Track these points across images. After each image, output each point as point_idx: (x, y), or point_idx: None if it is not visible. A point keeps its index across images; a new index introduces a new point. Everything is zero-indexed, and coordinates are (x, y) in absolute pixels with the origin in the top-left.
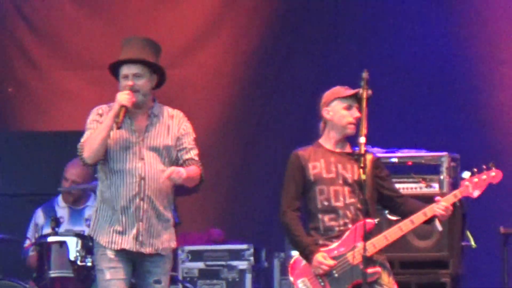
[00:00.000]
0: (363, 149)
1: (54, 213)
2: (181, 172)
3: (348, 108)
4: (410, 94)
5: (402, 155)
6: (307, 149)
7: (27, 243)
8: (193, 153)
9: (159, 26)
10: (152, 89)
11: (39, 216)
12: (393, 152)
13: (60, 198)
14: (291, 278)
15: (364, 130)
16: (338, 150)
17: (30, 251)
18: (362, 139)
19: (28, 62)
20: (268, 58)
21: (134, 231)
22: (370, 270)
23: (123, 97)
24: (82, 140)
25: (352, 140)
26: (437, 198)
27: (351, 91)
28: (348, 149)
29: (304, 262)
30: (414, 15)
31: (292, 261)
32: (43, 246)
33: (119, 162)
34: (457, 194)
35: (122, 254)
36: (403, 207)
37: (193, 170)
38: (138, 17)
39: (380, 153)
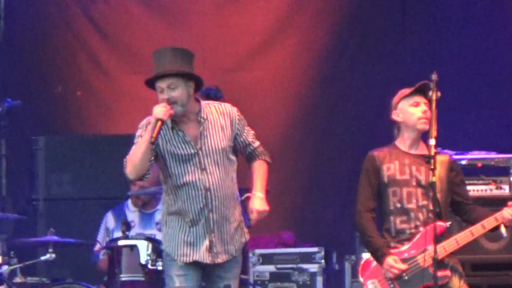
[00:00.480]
0: (433, 151)
1: (125, 217)
2: (263, 207)
3: (415, 104)
4: (480, 95)
5: (472, 157)
6: (382, 150)
7: (97, 247)
8: (255, 144)
9: (226, 30)
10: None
11: (110, 220)
12: (463, 154)
13: (130, 202)
14: (361, 279)
15: (434, 132)
16: (413, 151)
17: (101, 255)
18: (432, 141)
19: (96, 66)
20: (336, 60)
21: (207, 242)
22: (440, 274)
23: (158, 110)
24: (127, 155)
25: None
26: (510, 203)
27: (414, 87)
28: (423, 150)
29: (374, 263)
30: (484, 15)
31: (362, 262)
32: (113, 250)
33: (181, 177)
34: None
35: (192, 263)
36: (469, 214)
37: (264, 172)
38: (205, 20)
39: (449, 155)
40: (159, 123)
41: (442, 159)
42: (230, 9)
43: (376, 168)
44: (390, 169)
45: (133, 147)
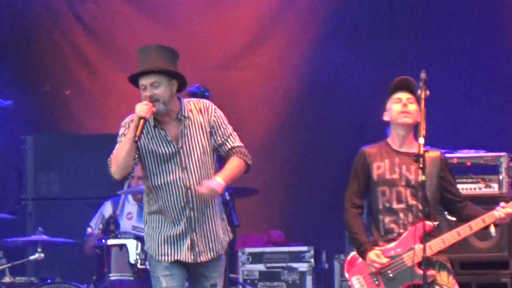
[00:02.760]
0: (422, 149)
1: (122, 208)
2: (216, 187)
3: (398, 101)
4: (469, 94)
5: (461, 155)
6: (374, 147)
7: (89, 230)
8: (231, 142)
9: (215, 28)
10: (177, 92)
11: (108, 209)
12: (452, 152)
13: (130, 195)
14: (346, 275)
15: (423, 131)
16: (403, 150)
17: (89, 237)
18: (421, 140)
19: (84, 65)
20: (325, 59)
21: (188, 241)
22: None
23: (141, 108)
24: (111, 155)
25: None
26: (502, 203)
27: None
28: (415, 147)
29: (360, 259)
30: (473, 14)
31: (348, 258)
32: (103, 249)
33: (162, 176)
34: None
35: (177, 261)
36: (461, 211)
37: (235, 166)
38: (194, 19)
39: (440, 151)
40: (141, 121)
41: (433, 155)
42: (218, 8)
43: (366, 165)
44: (380, 167)
45: (117, 146)
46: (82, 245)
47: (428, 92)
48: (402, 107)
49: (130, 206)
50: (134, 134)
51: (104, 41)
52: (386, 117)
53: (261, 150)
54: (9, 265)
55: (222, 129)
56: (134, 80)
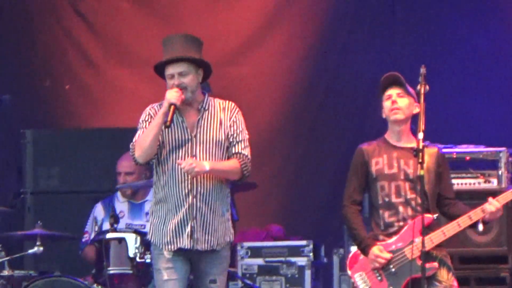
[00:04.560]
0: (421, 144)
1: (113, 209)
2: (196, 166)
3: (388, 98)
4: (469, 89)
5: (460, 150)
6: (372, 143)
7: (86, 237)
8: (239, 147)
9: (215, 25)
10: (200, 83)
11: (99, 211)
12: (452, 147)
13: (119, 193)
14: (349, 272)
15: (422, 126)
16: (401, 144)
17: (87, 245)
18: (421, 135)
19: (85, 60)
20: (324, 56)
21: (188, 228)
22: (427, 265)
23: (172, 95)
24: (134, 140)
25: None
26: (490, 199)
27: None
28: (412, 142)
29: (362, 256)
30: (473, 8)
31: (350, 255)
32: (102, 243)
33: (171, 162)
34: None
35: (179, 253)
36: (448, 207)
37: (228, 164)
38: (194, 15)
39: (438, 148)
40: (172, 107)
41: (431, 151)
42: (219, 5)
43: (364, 162)
44: (379, 163)
45: (141, 132)
46: (81, 250)
47: (428, 87)
48: (391, 104)
49: (121, 204)
50: (165, 120)
51: (104, 36)
52: (383, 115)
53: (260, 145)
54: (8, 258)
55: (237, 132)
56: (158, 69)
